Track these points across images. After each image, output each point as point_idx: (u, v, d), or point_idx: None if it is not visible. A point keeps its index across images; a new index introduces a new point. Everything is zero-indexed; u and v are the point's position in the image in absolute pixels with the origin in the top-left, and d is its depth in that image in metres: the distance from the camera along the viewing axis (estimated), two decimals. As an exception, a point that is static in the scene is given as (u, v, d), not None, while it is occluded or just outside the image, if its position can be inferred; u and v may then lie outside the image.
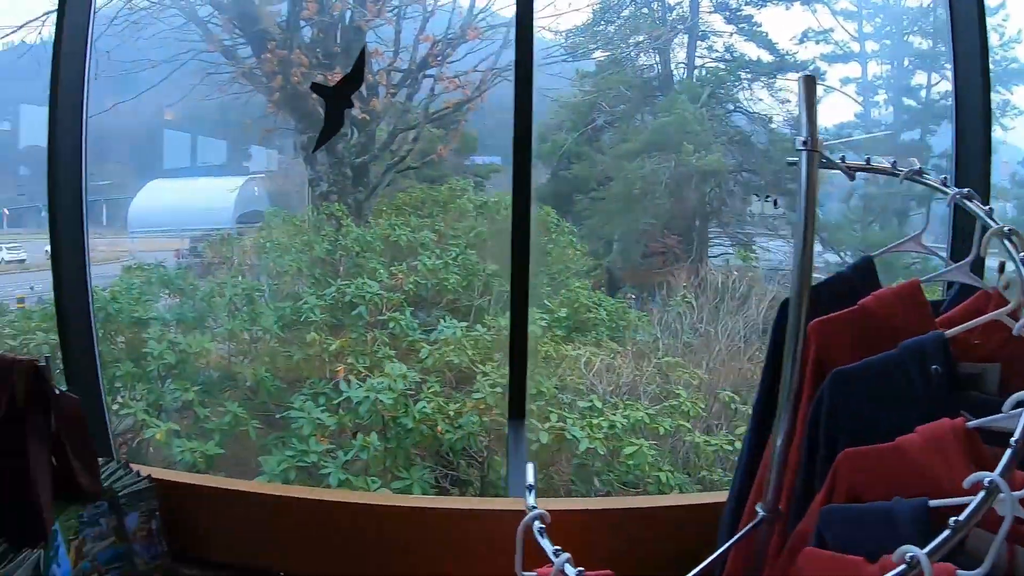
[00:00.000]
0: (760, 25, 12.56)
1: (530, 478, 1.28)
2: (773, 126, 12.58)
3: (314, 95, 9.59)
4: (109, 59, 9.18)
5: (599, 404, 6.20)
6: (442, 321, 7.25)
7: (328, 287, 7.57)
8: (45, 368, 1.81)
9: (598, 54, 12.82)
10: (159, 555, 1.97)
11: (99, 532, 1.88)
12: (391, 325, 7.07)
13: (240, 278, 8.15)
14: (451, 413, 5.90)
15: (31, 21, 10.12)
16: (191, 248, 10.70)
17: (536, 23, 9.02)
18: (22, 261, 13.23)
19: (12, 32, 10.32)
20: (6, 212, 14.63)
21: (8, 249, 13.53)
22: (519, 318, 2.83)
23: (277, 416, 6.46)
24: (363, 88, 9.88)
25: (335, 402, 6.15)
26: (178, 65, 9.99)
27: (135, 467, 2.08)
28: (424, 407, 5.82)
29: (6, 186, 14.21)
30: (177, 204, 11.43)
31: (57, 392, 1.81)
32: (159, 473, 2.11)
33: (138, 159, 11.73)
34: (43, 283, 10.92)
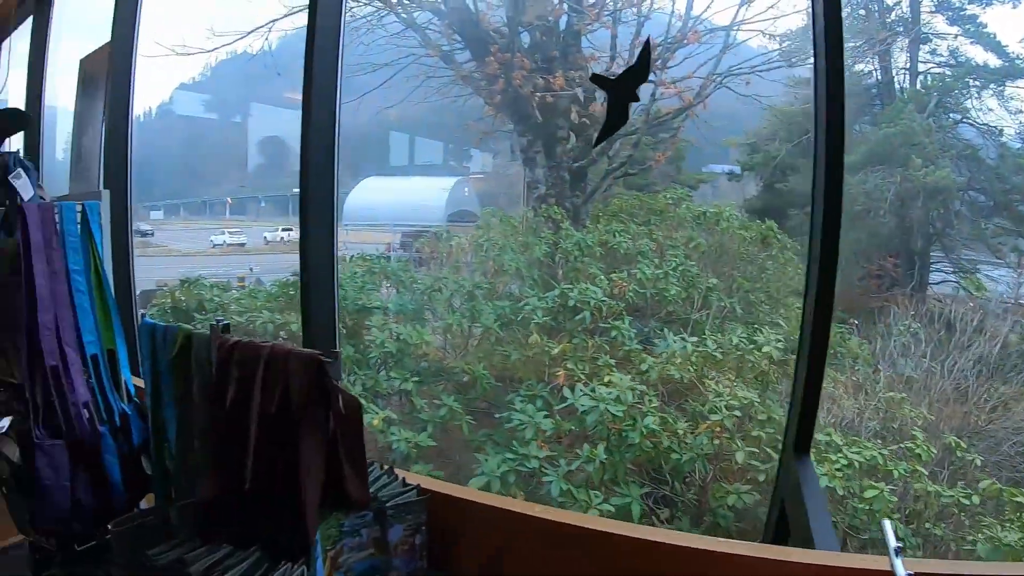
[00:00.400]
0: (986, 26, 11.24)
1: (893, 539, 1.09)
2: (1003, 139, 11.27)
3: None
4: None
5: (836, 439, 5.62)
6: (661, 332, 6.92)
7: (548, 289, 7.36)
8: (330, 364, 1.62)
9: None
10: (417, 570, 1.77)
11: (358, 543, 1.72)
12: (613, 334, 6.75)
13: (459, 275, 8.12)
14: (678, 431, 5.52)
15: (258, 28, 10.61)
16: (402, 242, 10.99)
17: (752, 27, 8.37)
18: (242, 245, 14.47)
19: (240, 38, 10.85)
20: (229, 200, 15.99)
21: (230, 233, 14.96)
22: (817, 343, 2.46)
23: (495, 415, 6.28)
24: (580, 93, 9.74)
25: (555, 407, 5.90)
26: (398, 69, 10.22)
27: (400, 473, 1.89)
28: (650, 422, 5.47)
29: (232, 178, 15.43)
30: (391, 200, 11.79)
31: (338, 390, 1.62)
32: (425, 482, 1.90)
33: (354, 157, 12.19)
34: (260, 265, 11.65)
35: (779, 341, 6.54)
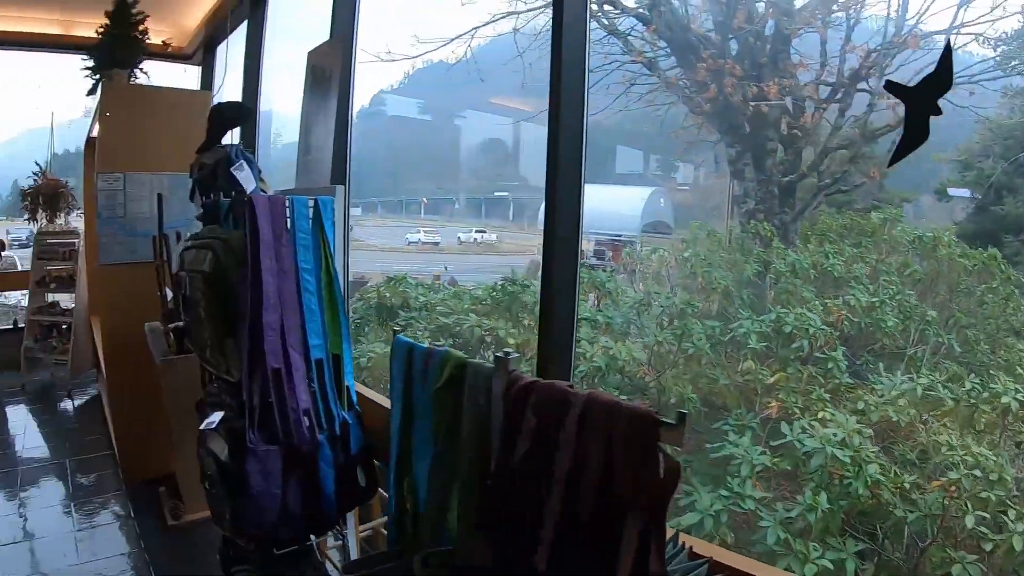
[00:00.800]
0: None
1: None
2: None
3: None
4: (532, 70, 9.55)
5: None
6: (874, 367, 6.43)
7: (756, 311, 6.98)
8: (673, 426, 1.40)
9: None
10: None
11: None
12: (828, 365, 6.31)
13: (663, 288, 7.84)
14: (905, 485, 4.99)
15: (461, 35, 10.73)
16: (595, 251, 10.80)
17: (970, 30, 7.59)
18: (436, 244, 14.87)
19: (443, 45, 11.03)
20: (425, 200, 16.48)
21: (425, 232, 15.41)
22: None
23: (706, 444, 5.94)
24: (790, 103, 9.28)
25: (767, 442, 5.56)
26: (600, 76, 10.04)
27: (685, 539, 1.68)
28: (875, 472, 4.98)
29: (428, 179, 15.89)
30: (586, 208, 11.49)
31: (664, 457, 1.40)
32: (718, 554, 1.69)
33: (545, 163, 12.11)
34: (454, 264, 11.91)
35: (1018, 392, 5.88)
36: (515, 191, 13.00)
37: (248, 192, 3.11)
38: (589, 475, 1.39)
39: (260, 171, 3.34)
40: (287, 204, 2.57)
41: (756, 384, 6.17)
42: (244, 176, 3.23)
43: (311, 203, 2.65)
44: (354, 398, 2.73)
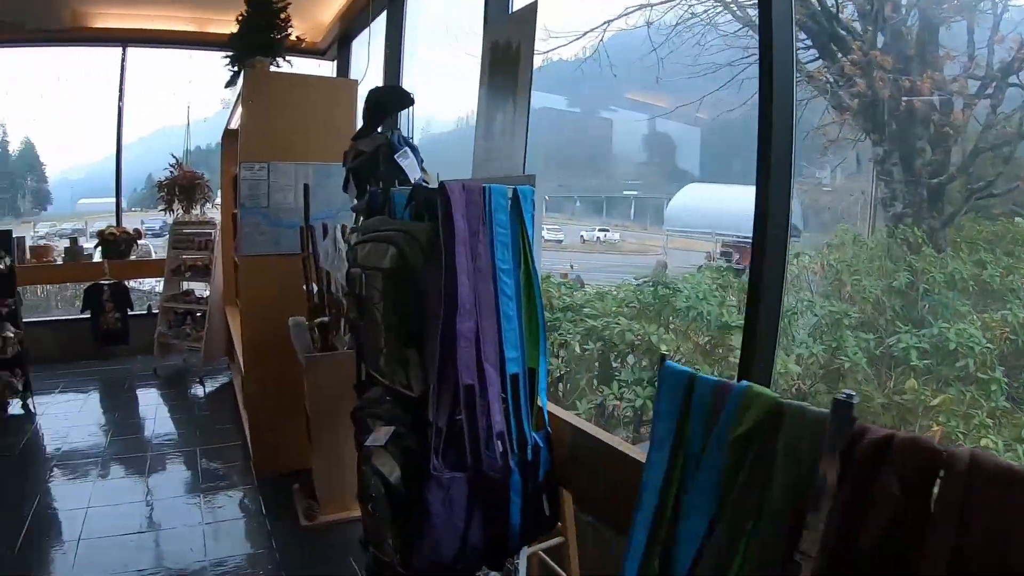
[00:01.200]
0: None
1: None
2: None
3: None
4: (663, 66, 9.29)
5: None
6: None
7: (914, 325, 6.49)
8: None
9: None
10: None
11: None
12: (992, 387, 5.74)
13: (812, 296, 7.39)
14: None
15: (593, 28, 10.53)
16: (723, 253, 10.40)
17: None
18: (560, 242, 14.78)
19: (576, 39, 10.86)
20: (547, 198, 16.43)
21: (548, 229, 15.38)
22: None
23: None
24: (937, 99, 8.68)
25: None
26: (740, 69, 9.63)
27: None
28: None
29: (551, 177, 15.80)
30: (711, 208, 11.18)
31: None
32: None
33: (675, 161, 11.80)
34: (579, 262, 11.78)
35: None
36: (642, 189, 12.70)
37: (413, 180, 2.95)
38: (975, 561, 1.12)
39: (422, 159, 3.18)
40: (484, 194, 2.31)
41: (917, 405, 5.69)
42: (408, 164, 3.08)
43: (510, 194, 2.38)
44: (546, 417, 2.49)
